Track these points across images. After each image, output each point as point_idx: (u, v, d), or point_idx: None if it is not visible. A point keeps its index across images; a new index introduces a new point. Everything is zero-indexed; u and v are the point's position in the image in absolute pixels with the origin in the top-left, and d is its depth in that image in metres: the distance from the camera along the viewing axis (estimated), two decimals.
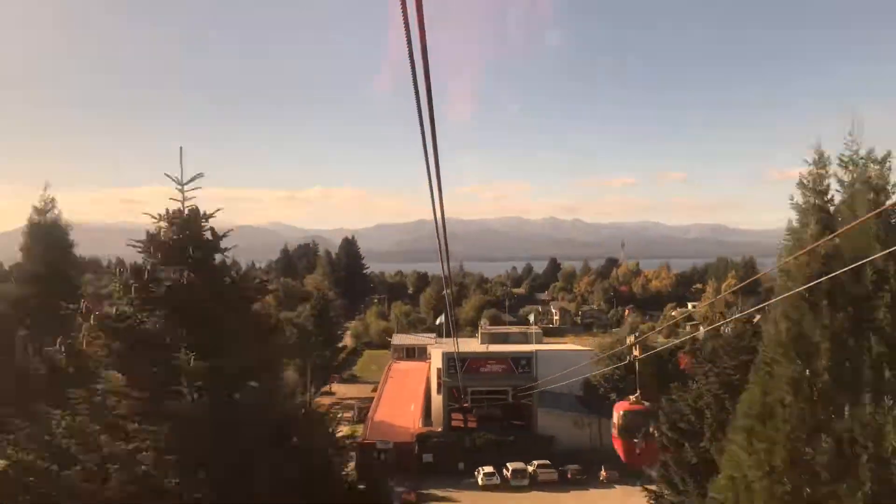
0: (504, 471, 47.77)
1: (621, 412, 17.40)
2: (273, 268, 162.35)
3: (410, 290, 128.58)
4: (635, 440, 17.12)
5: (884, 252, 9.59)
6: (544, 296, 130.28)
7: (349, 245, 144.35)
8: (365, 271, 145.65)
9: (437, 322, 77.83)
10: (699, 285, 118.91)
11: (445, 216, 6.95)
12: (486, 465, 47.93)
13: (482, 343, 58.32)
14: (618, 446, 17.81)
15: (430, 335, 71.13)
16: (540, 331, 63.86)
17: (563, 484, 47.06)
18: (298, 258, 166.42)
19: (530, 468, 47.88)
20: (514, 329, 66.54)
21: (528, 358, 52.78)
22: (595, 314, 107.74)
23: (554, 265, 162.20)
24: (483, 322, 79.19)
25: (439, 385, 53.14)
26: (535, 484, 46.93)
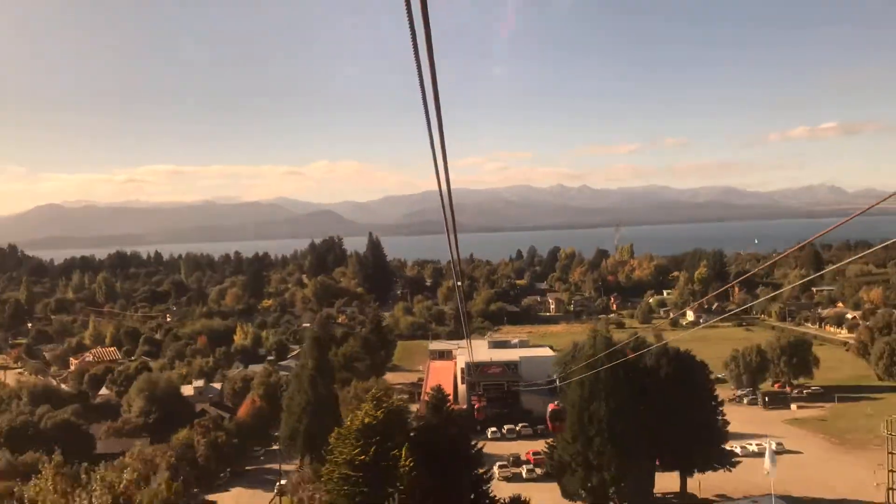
0: (502, 429, 79.74)
1: (550, 409, 40.62)
2: (305, 260, 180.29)
3: (428, 283, 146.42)
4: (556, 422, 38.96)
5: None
6: (543, 285, 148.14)
7: (375, 247, 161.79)
8: (388, 265, 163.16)
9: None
10: (675, 273, 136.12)
11: (452, 187, 7.18)
12: (492, 427, 78.62)
13: (489, 348, 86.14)
14: (549, 424, 40.71)
15: (453, 343, 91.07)
16: (526, 339, 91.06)
17: (535, 436, 77.19)
18: (326, 251, 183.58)
19: (517, 427, 79.65)
20: (510, 338, 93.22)
21: (516, 363, 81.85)
22: (585, 302, 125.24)
23: (552, 257, 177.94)
24: (488, 334, 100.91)
25: (463, 379, 76.97)
26: (520, 436, 78.84)
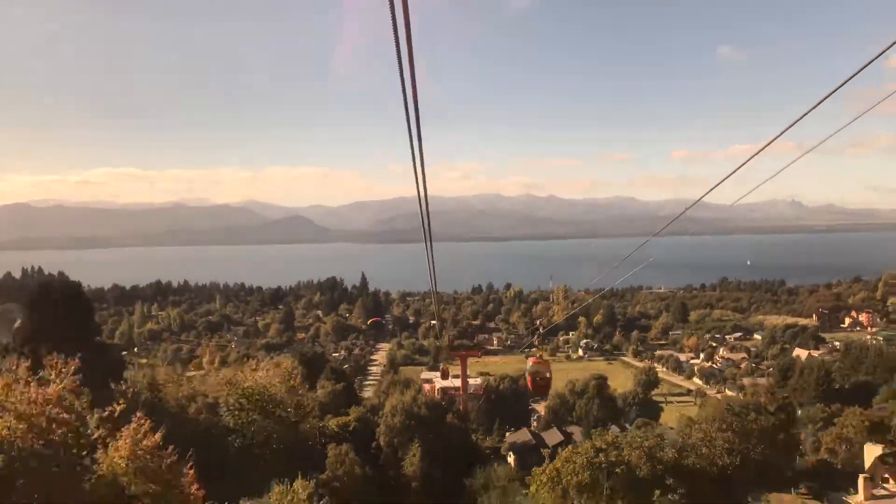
0: None
1: (530, 363, 38.31)
2: (313, 294, 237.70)
3: (412, 321, 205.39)
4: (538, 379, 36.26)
5: None
6: (492, 324, 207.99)
7: (374, 295, 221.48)
8: (382, 305, 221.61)
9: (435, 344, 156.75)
10: (581, 318, 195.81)
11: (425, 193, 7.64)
12: None
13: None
14: (528, 380, 38.53)
15: (434, 373, 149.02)
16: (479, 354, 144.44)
17: None
18: (331, 288, 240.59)
19: None
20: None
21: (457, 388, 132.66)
22: (517, 340, 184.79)
23: (495, 303, 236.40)
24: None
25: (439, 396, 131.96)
26: None
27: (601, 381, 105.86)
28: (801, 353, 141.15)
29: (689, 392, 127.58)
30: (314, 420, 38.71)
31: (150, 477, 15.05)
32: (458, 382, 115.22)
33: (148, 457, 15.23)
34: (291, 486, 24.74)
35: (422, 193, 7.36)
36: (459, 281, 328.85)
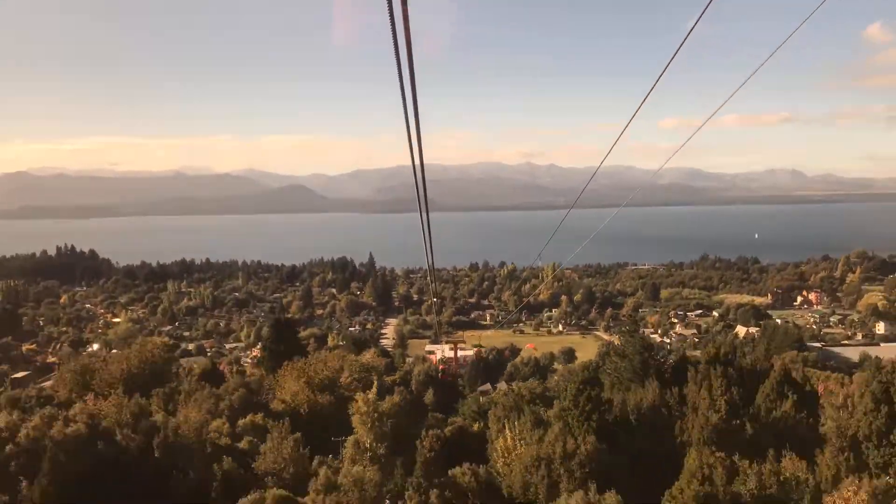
0: None
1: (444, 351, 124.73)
2: (326, 272, 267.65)
3: (415, 298, 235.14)
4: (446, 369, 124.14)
5: None
6: (487, 301, 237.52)
7: (382, 276, 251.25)
8: (389, 284, 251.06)
9: (437, 321, 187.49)
10: (564, 297, 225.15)
11: (425, 162, 7.33)
12: None
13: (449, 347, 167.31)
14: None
15: (437, 345, 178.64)
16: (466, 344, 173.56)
17: None
18: (343, 266, 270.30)
19: None
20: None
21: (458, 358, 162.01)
22: (507, 316, 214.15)
23: (490, 281, 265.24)
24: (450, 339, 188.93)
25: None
26: None
27: (569, 351, 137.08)
28: (741, 331, 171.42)
29: None
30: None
31: None
32: (456, 353, 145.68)
33: None
34: None
35: (420, 185, 7.69)
36: (459, 254, 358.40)
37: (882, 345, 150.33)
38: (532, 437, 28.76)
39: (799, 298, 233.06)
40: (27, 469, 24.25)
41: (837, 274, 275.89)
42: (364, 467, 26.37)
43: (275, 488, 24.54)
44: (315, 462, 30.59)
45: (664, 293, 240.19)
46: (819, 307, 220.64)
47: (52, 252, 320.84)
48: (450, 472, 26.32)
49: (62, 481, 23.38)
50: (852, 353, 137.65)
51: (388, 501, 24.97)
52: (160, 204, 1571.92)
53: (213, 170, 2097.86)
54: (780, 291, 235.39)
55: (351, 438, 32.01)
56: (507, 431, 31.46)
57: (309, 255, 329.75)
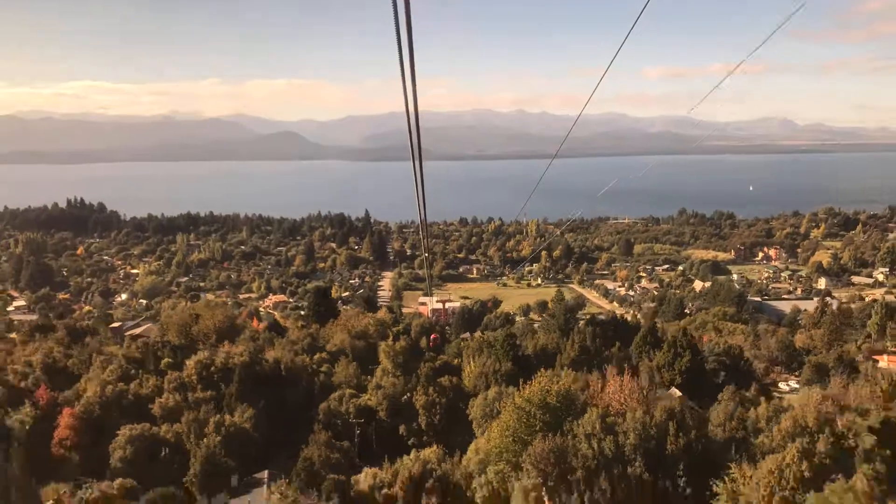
0: None
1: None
2: (324, 225, 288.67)
3: (409, 253, 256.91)
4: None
5: None
6: (474, 256, 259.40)
7: (379, 233, 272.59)
8: (385, 240, 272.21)
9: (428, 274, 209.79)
10: (544, 252, 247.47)
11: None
12: None
13: (438, 301, 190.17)
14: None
15: (427, 298, 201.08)
16: (451, 297, 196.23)
17: None
18: (341, 222, 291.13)
19: None
20: (449, 294, 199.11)
21: (447, 309, 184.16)
22: (492, 270, 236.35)
23: (477, 237, 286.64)
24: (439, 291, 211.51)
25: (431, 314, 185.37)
26: None
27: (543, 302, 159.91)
28: (697, 285, 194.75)
29: (599, 311, 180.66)
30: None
31: None
32: (446, 305, 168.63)
33: None
34: None
35: (413, 126, 7.42)
36: (450, 206, 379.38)
37: (815, 299, 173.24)
38: (483, 363, 50.61)
39: (760, 254, 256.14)
40: (224, 379, 45.88)
41: (802, 230, 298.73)
42: (392, 380, 48.56)
43: (348, 390, 46.97)
44: (364, 378, 52.74)
45: (637, 248, 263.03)
46: (777, 263, 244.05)
47: (62, 204, 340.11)
48: (438, 380, 47.95)
49: (247, 386, 44.73)
50: (786, 307, 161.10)
51: (408, 394, 46.54)
52: (150, 150, 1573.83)
53: (203, 115, 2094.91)
54: (742, 248, 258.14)
55: (379, 367, 53.85)
56: (472, 362, 53.32)
57: (306, 209, 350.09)
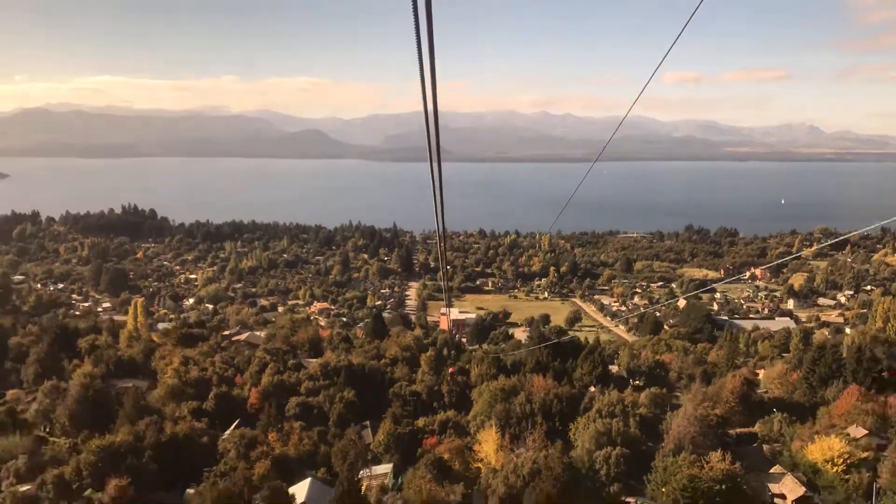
0: None
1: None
2: (355, 235, 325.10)
3: (432, 265, 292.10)
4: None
5: None
6: (490, 270, 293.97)
7: (407, 246, 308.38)
8: (411, 252, 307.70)
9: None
10: (552, 268, 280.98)
11: (439, 109, 7.30)
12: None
13: (460, 311, 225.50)
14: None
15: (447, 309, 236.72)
16: (469, 309, 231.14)
17: None
18: (372, 235, 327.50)
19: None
20: (466, 306, 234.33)
21: (464, 319, 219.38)
22: (505, 283, 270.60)
23: (494, 250, 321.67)
24: (455, 304, 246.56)
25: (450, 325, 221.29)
26: None
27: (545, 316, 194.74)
28: (681, 303, 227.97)
29: (594, 324, 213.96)
30: None
31: None
32: (463, 316, 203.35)
33: None
34: None
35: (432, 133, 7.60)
36: (470, 213, 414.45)
37: (777, 318, 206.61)
38: (482, 368, 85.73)
39: (748, 273, 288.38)
40: (336, 373, 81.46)
41: (794, 250, 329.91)
42: (428, 377, 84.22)
43: (403, 382, 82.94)
44: (412, 375, 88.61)
45: (638, 265, 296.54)
46: (761, 282, 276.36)
47: (117, 210, 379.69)
48: (455, 377, 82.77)
49: (347, 378, 79.88)
50: (749, 325, 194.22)
51: (437, 385, 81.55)
52: (178, 144, 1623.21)
53: (229, 110, 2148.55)
54: (730, 267, 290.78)
55: (420, 370, 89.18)
56: (476, 366, 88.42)
57: (338, 215, 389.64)
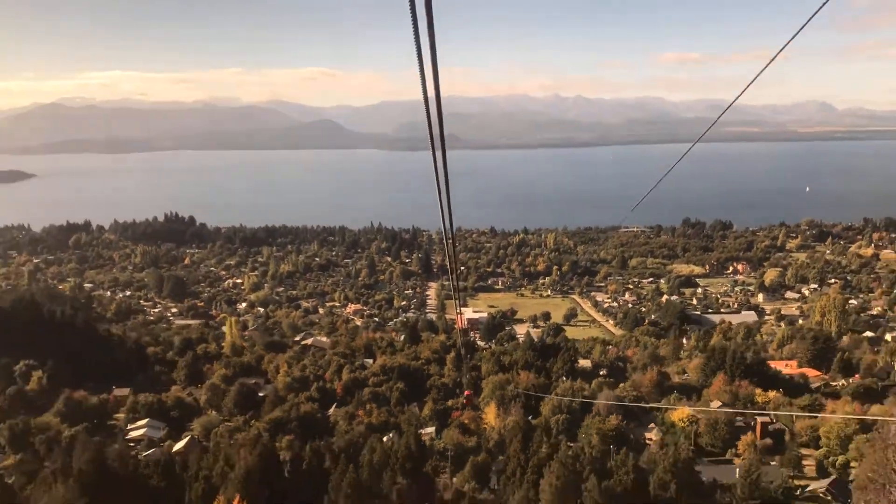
0: None
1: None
2: (377, 237, 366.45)
3: (447, 266, 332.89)
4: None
5: None
6: (500, 269, 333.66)
7: (425, 252, 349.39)
8: (429, 254, 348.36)
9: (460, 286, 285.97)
10: (555, 267, 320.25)
11: (445, 95, 7.26)
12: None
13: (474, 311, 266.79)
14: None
15: (464, 308, 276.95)
16: (482, 308, 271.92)
17: None
18: (394, 237, 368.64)
19: None
20: (479, 304, 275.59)
21: (478, 318, 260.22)
22: (514, 282, 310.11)
23: (504, 249, 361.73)
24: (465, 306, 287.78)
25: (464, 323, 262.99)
26: None
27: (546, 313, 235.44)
28: (664, 299, 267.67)
29: (588, 320, 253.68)
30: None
31: None
32: (476, 315, 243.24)
33: None
34: None
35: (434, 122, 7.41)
36: (484, 206, 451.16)
37: (743, 312, 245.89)
38: (489, 366, 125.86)
39: (731, 268, 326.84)
40: (391, 371, 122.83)
41: (778, 243, 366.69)
42: (452, 372, 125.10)
43: (436, 375, 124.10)
44: (441, 370, 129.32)
45: (633, 261, 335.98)
46: (742, 276, 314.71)
47: (161, 218, 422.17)
48: (470, 402, 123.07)
49: (399, 374, 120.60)
50: (717, 319, 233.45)
51: (459, 378, 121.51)
52: (189, 138, 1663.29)
53: (240, 101, 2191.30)
54: (715, 263, 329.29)
55: (446, 367, 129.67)
56: (485, 363, 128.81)
57: (361, 214, 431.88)
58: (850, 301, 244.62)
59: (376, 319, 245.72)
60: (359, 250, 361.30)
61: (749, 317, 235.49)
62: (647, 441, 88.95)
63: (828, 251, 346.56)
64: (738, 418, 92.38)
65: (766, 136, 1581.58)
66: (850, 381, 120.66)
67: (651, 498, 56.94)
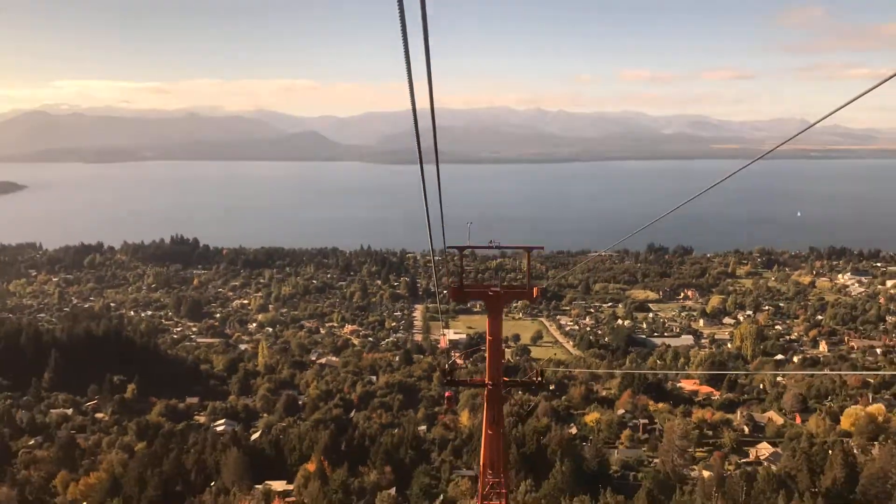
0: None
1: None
2: (366, 260, 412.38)
3: (433, 290, 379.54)
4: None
5: None
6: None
7: (410, 273, 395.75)
8: (415, 278, 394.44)
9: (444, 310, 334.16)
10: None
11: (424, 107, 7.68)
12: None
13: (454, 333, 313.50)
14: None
15: (446, 330, 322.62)
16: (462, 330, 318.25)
17: None
18: (382, 261, 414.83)
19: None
20: (459, 326, 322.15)
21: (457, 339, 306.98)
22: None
23: (483, 273, 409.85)
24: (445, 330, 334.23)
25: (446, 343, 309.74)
26: None
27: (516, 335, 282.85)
28: (620, 323, 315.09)
29: (551, 341, 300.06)
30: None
31: None
32: (457, 336, 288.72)
33: None
34: None
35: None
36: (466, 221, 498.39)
37: (682, 336, 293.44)
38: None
39: (682, 294, 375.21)
40: (391, 387, 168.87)
41: (730, 269, 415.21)
42: (437, 388, 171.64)
43: (426, 389, 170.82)
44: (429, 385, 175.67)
45: (596, 286, 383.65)
46: (690, 302, 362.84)
47: (167, 240, 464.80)
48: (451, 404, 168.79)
49: (399, 388, 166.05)
50: (660, 342, 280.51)
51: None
52: (173, 148, 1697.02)
53: (224, 109, 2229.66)
54: (668, 290, 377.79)
55: (433, 383, 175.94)
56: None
57: (351, 236, 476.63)
58: (776, 326, 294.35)
59: (371, 339, 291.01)
60: (351, 273, 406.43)
61: (687, 340, 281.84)
62: (569, 434, 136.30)
63: (772, 278, 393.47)
64: (632, 420, 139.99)
65: (743, 153, 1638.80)
66: (730, 395, 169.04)
67: (547, 458, 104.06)
